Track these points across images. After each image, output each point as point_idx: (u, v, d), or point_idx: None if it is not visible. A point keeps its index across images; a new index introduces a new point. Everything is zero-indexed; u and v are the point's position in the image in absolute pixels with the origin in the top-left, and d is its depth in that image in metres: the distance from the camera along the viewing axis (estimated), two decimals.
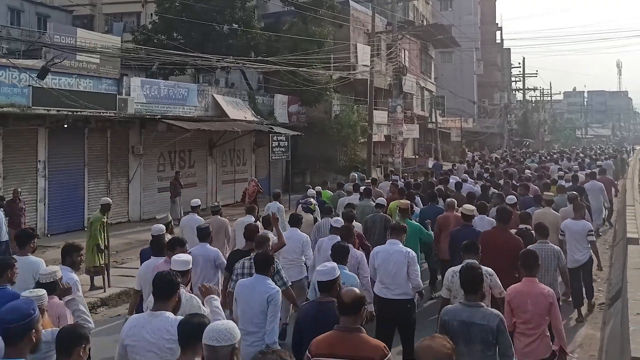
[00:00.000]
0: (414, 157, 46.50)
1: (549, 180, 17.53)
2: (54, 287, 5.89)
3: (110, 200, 14.61)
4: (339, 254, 7.09)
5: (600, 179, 18.99)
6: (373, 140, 34.25)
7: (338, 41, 34.58)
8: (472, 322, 5.54)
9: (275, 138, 26.74)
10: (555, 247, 9.03)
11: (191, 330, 4.19)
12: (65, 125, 20.11)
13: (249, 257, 7.68)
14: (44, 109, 18.89)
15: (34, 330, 4.27)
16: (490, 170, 23.57)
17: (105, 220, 13.62)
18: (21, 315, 4.24)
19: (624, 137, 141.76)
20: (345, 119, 34.30)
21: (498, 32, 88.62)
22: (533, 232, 9.34)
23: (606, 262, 15.47)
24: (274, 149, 26.58)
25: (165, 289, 5.15)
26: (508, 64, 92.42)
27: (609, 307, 11.28)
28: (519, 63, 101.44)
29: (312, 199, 14.06)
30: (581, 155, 39.63)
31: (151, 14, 36.25)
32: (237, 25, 30.84)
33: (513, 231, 9.44)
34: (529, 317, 6.52)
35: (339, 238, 8.72)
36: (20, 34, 31.67)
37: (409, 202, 11.88)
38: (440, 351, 3.86)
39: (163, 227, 9.16)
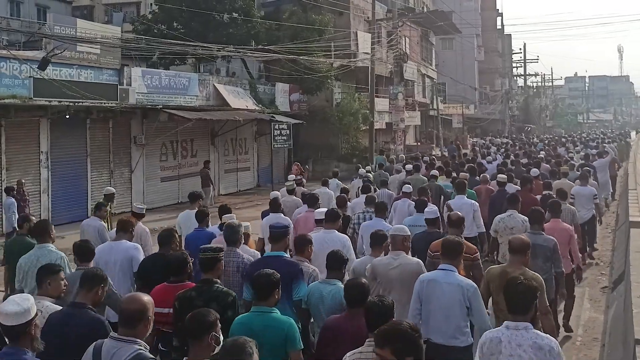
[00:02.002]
0: (415, 144, 46.45)
1: (561, 160, 20.73)
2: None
3: (114, 190, 14.64)
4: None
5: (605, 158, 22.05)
6: (375, 127, 34.32)
7: (338, 29, 34.48)
8: (535, 244, 7.49)
9: (277, 127, 26.78)
10: (572, 207, 11.52)
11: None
12: (67, 116, 20.12)
13: (362, 211, 10.46)
14: (45, 100, 18.89)
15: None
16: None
17: (109, 209, 13.65)
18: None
19: (626, 121, 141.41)
20: (346, 107, 34.28)
21: (499, 18, 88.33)
22: (554, 196, 11.38)
23: (608, 245, 15.63)
24: (276, 138, 26.63)
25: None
26: (509, 49, 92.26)
27: (612, 290, 11.32)
28: (520, 49, 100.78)
29: (370, 174, 17.39)
30: (587, 138, 42.57)
31: (151, 4, 36.19)
32: (237, 14, 30.77)
33: (538, 197, 11.74)
34: (559, 240, 8.35)
35: (409, 201, 11.35)
36: (20, 25, 31.69)
37: (467, 175, 14.52)
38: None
39: (278, 193, 11.79)
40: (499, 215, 9.86)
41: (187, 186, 26.23)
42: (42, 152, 19.84)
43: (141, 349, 4.17)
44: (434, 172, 15.36)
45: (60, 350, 4.64)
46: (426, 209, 9.20)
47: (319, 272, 6.53)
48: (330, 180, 15.78)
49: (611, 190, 21.86)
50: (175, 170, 25.93)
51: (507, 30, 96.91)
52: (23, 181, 17.21)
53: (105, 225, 10.48)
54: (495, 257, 10.00)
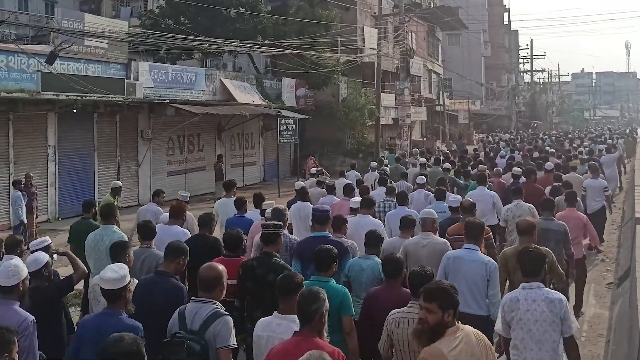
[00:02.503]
0: (421, 139, 46.44)
1: (570, 155, 21.49)
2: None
3: (121, 184, 14.67)
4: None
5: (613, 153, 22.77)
6: (381, 123, 34.27)
7: (345, 24, 34.46)
8: (548, 229, 8.70)
9: (283, 122, 26.77)
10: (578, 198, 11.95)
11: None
12: (75, 110, 20.20)
13: (383, 200, 11.19)
14: (53, 94, 18.97)
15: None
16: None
17: (115, 203, 13.71)
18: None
19: (633, 118, 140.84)
20: (352, 102, 34.26)
21: (505, 14, 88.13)
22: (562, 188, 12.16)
23: (614, 242, 15.63)
24: (282, 133, 26.62)
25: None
26: (516, 45, 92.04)
27: (618, 287, 11.34)
28: (527, 45, 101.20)
29: (387, 167, 18.35)
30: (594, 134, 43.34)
31: None
32: (244, 9, 30.79)
33: (549, 188, 12.24)
34: (570, 228, 9.20)
35: (424, 191, 12.56)
36: (28, 19, 31.79)
37: (485, 167, 15.64)
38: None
39: (303, 183, 13.28)
40: (506, 206, 10.73)
41: (193, 180, 26.38)
42: (49, 145, 19.93)
43: (217, 308, 4.95)
44: (447, 165, 16.46)
45: (147, 312, 5.35)
46: (450, 198, 10.00)
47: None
48: (348, 172, 16.96)
49: (618, 184, 22.61)
50: (181, 164, 26.02)
51: (513, 26, 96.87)
52: (31, 174, 17.28)
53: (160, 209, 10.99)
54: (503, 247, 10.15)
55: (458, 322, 4.27)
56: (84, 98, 19.89)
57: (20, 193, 15.75)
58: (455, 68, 57.38)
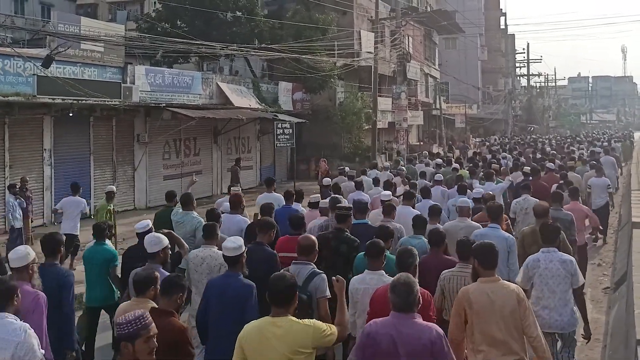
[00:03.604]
0: (418, 143, 46.43)
1: (574, 155, 24.08)
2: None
3: (115, 188, 14.74)
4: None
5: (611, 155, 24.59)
6: (377, 127, 34.29)
7: (342, 28, 34.47)
8: (557, 217, 9.71)
9: (279, 125, 26.66)
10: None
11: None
12: (71, 114, 20.17)
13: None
14: (49, 98, 18.93)
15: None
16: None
17: (111, 207, 13.71)
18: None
19: (629, 122, 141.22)
20: (349, 106, 34.27)
21: (502, 18, 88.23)
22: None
23: (610, 246, 15.68)
24: (279, 137, 26.52)
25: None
26: (512, 49, 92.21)
27: (614, 291, 11.33)
28: (523, 49, 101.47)
29: (403, 167, 19.97)
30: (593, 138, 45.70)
31: (155, 2, 36.12)
32: (240, 13, 30.79)
33: (555, 185, 13.63)
34: (576, 217, 10.64)
35: (441, 188, 14.21)
36: (24, 23, 31.69)
37: (498, 166, 17.87)
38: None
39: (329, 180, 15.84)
40: (515, 200, 12.23)
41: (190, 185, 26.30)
42: (45, 149, 19.89)
43: (314, 268, 6.35)
44: (456, 165, 18.89)
45: (251, 273, 6.49)
46: (474, 190, 12.32)
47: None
48: (369, 170, 18.41)
49: (616, 186, 23.65)
50: (178, 168, 25.96)
51: (510, 30, 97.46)
52: (27, 178, 17.19)
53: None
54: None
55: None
56: (80, 102, 19.85)
57: (13, 198, 15.52)
58: (452, 72, 57.42)
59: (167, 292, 5.35)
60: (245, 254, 6.31)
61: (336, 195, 10.96)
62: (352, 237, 8.02)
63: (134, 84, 22.31)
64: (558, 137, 51.22)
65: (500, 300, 5.55)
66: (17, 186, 16.20)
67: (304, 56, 29.10)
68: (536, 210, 9.22)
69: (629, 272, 9.50)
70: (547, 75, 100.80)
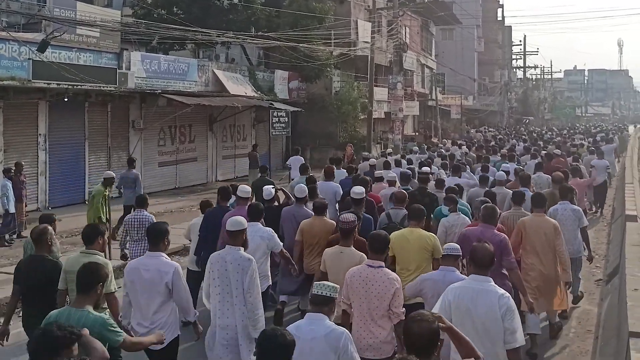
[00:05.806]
0: (413, 134, 46.41)
1: (576, 143, 28.37)
2: None
3: (114, 174, 14.67)
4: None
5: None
6: (373, 117, 34.29)
7: (339, 17, 34.36)
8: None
9: (275, 114, 26.74)
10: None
11: None
12: (66, 99, 20.09)
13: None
14: (44, 83, 18.85)
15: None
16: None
17: (107, 193, 13.69)
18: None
19: (624, 115, 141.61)
20: (345, 96, 34.21)
21: (499, 10, 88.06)
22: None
23: (603, 238, 15.76)
24: (274, 125, 26.61)
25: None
26: (509, 41, 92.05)
27: (607, 284, 11.40)
28: (520, 41, 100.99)
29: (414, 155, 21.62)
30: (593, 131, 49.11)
31: None
32: (237, 0, 30.63)
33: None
34: (578, 189, 13.12)
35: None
36: (19, 6, 31.36)
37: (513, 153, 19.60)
38: None
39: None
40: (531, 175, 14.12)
41: (184, 171, 26.32)
42: (40, 134, 19.82)
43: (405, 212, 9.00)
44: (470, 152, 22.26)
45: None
46: (502, 166, 14.73)
47: None
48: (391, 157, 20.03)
49: (616, 170, 26.55)
50: (173, 155, 25.93)
51: (507, 22, 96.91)
52: (22, 163, 17.14)
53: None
54: None
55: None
56: (75, 87, 19.77)
57: (8, 182, 15.56)
58: (449, 63, 57.29)
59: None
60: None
61: (406, 169, 14.17)
62: (431, 192, 11.26)
63: (129, 70, 22.21)
64: (562, 131, 51.76)
65: (543, 227, 8.84)
66: (12, 170, 16.19)
67: (300, 45, 29.02)
68: (554, 178, 12.48)
69: (622, 265, 9.56)
70: (543, 67, 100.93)
